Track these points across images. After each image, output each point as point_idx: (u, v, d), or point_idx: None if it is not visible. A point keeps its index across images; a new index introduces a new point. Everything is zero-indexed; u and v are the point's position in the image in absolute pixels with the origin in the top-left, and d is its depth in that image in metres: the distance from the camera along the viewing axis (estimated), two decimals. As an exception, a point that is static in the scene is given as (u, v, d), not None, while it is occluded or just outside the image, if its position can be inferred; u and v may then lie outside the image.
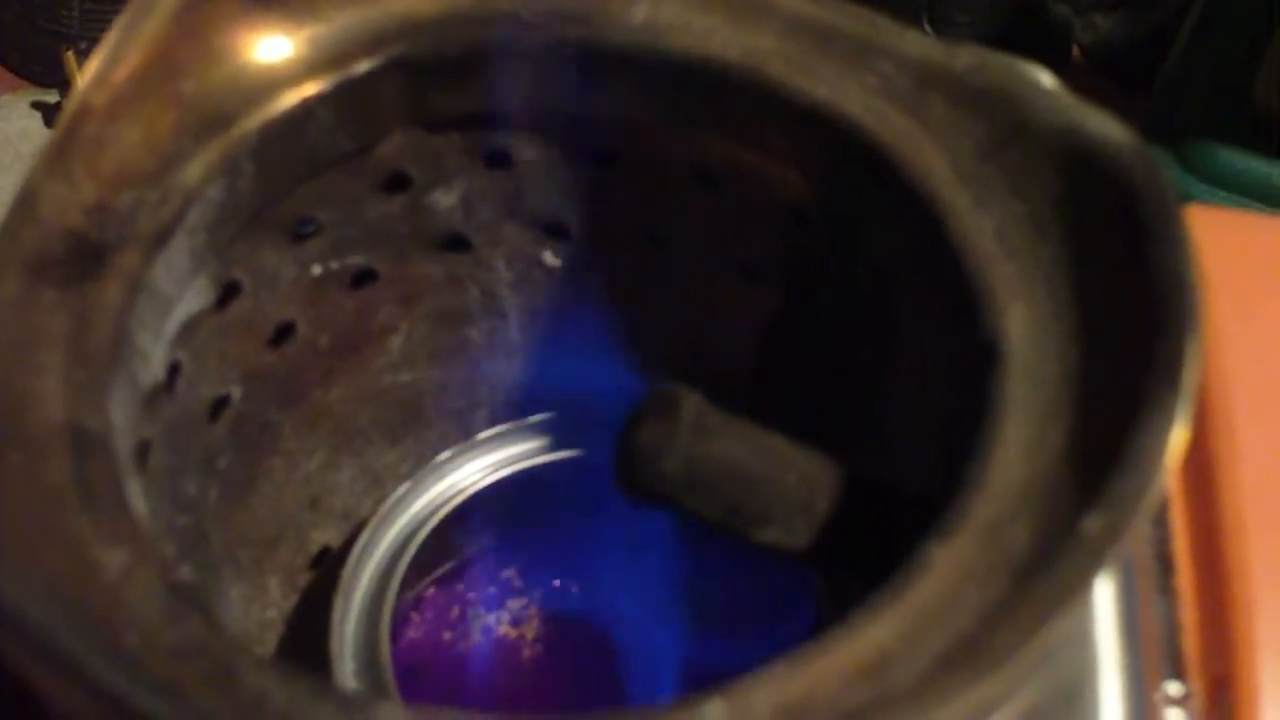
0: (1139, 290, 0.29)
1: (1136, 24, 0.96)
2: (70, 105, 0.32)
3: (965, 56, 0.34)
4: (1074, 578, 0.27)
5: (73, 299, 0.30)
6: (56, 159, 0.32)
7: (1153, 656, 0.32)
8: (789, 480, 0.33)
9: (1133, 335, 0.29)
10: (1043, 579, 0.27)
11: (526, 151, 0.38)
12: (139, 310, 0.31)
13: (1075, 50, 0.96)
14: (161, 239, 0.32)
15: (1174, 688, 0.33)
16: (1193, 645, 0.34)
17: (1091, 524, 0.27)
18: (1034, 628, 0.26)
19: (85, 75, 0.33)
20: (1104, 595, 0.32)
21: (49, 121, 0.85)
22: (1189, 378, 0.28)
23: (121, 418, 0.30)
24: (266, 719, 0.25)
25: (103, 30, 0.34)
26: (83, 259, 0.31)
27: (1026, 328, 0.30)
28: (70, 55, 0.80)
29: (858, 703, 0.26)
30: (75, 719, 0.26)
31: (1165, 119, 0.81)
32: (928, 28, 0.92)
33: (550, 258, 0.40)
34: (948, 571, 0.27)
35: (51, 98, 0.86)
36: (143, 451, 0.32)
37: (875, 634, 0.27)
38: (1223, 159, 0.80)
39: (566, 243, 0.40)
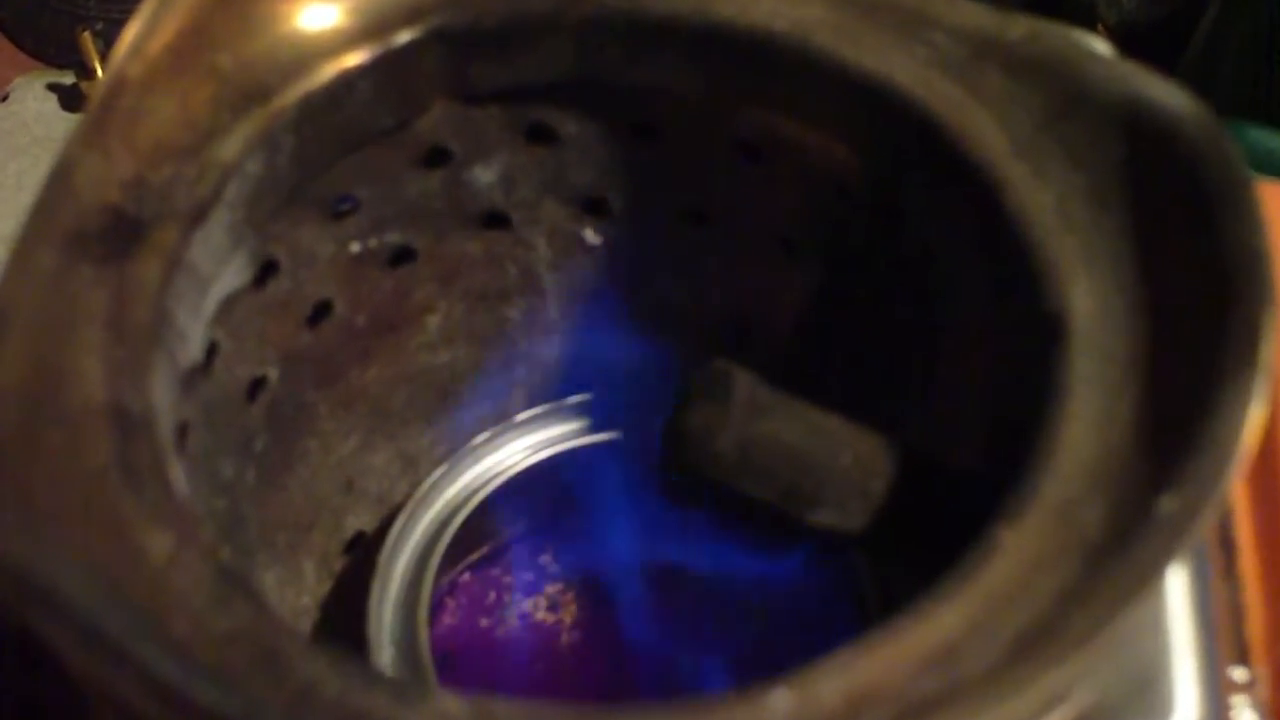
0: (1208, 262, 0.29)
1: (1161, 3, 0.95)
2: (106, 77, 0.32)
3: (1019, 26, 0.33)
4: (1150, 561, 0.26)
5: (111, 275, 0.30)
6: (93, 132, 0.31)
7: (1222, 643, 0.32)
8: (844, 461, 0.32)
9: (1203, 308, 0.28)
10: (1117, 562, 0.26)
11: (568, 126, 0.37)
12: (177, 288, 0.30)
13: (1100, 30, 0.96)
14: (200, 215, 0.31)
15: (1239, 673, 0.32)
16: (1257, 630, 0.33)
17: (1168, 505, 0.26)
18: (1109, 613, 0.25)
19: (121, 47, 0.32)
20: (1176, 580, 0.31)
21: (65, 104, 0.84)
22: (1266, 351, 0.27)
23: (161, 398, 0.29)
24: (318, 707, 0.25)
25: (118, 9, 0.33)
26: (120, 235, 0.30)
27: (1091, 301, 0.30)
28: (86, 36, 0.79)
29: (927, 691, 0.25)
30: (123, 707, 0.25)
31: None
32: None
33: (590, 235, 0.40)
34: (1018, 555, 0.27)
35: (67, 79, 0.85)
36: (182, 433, 0.31)
37: (944, 620, 0.26)
38: (1250, 139, 0.79)
39: (607, 219, 0.39)
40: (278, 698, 0.25)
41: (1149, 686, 0.30)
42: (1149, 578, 0.26)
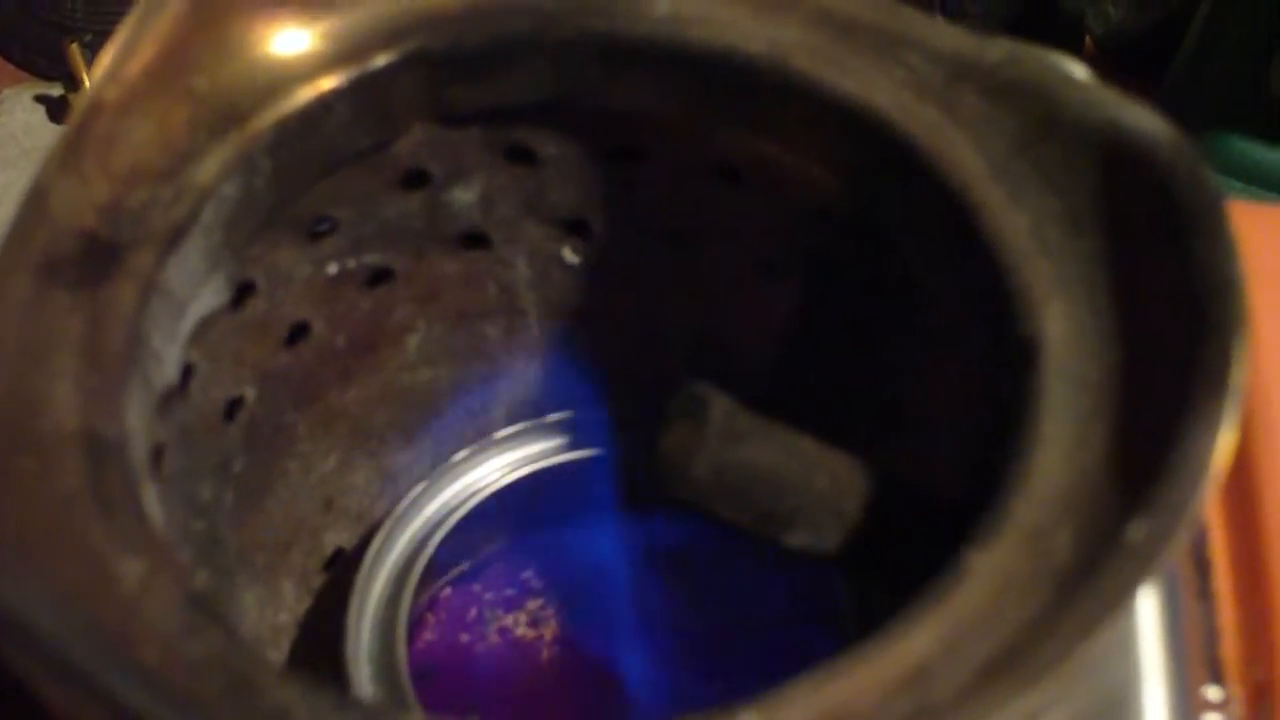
0: (1181, 288, 0.29)
1: (1149, 13, 0.95)
2: (82, 101, 0.32)
3: (997, 49, 0.33)
4: (1119, 587, 0.26)
5: (85, 301, 0.30)
6: (68, 156, 0.31)
7: (1194, 663, 0.32)
8: (819, 483, 0.32)
9: (1176, 335, 0.28)
10: (1087, 588, 0.26)
11: (548, 147, 0.37)
12: (153, 311, 0.30)
13: (1087, 41, 0.96)
14: (176, 238, 0.31)
15: (1213, 692, 0.32)
16: (1232, 650, 0.33)
17: (1137, 531, 0.26)
18: (1078, 639, 0.26)
19: (97, 70, 0.32)
20: (1147, 602, 0.31)
21: (53, 115, 0.84)
22: (1236, 380, 0.27)
23: (136, 422, 0.29)
24: (289, 735, 0.25)
25: (106, 21, 0.33)
26: (95, 259, 0.30)
27: (1065, 327, 0.30)
28: (74, 47, 0.79)
29: (897, 715, 0.25)
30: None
31: (1179, 109, 0.80)
32: (940, 18, 0.91)
33: (570, 255, 0.40)
34: (988, 579, 0.27)
35: (55, 91, 0.85)
36: (157, 456, 0.31)
37: (914, 644, 0.26)
38: (1238, 149, 0.79)
39: (587, 240, 0.39)
40: (249, 726, 0.25)
41: (1119, 709, 0.30)
42: (1118, 603, 0.26)
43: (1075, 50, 0.94)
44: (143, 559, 0.26)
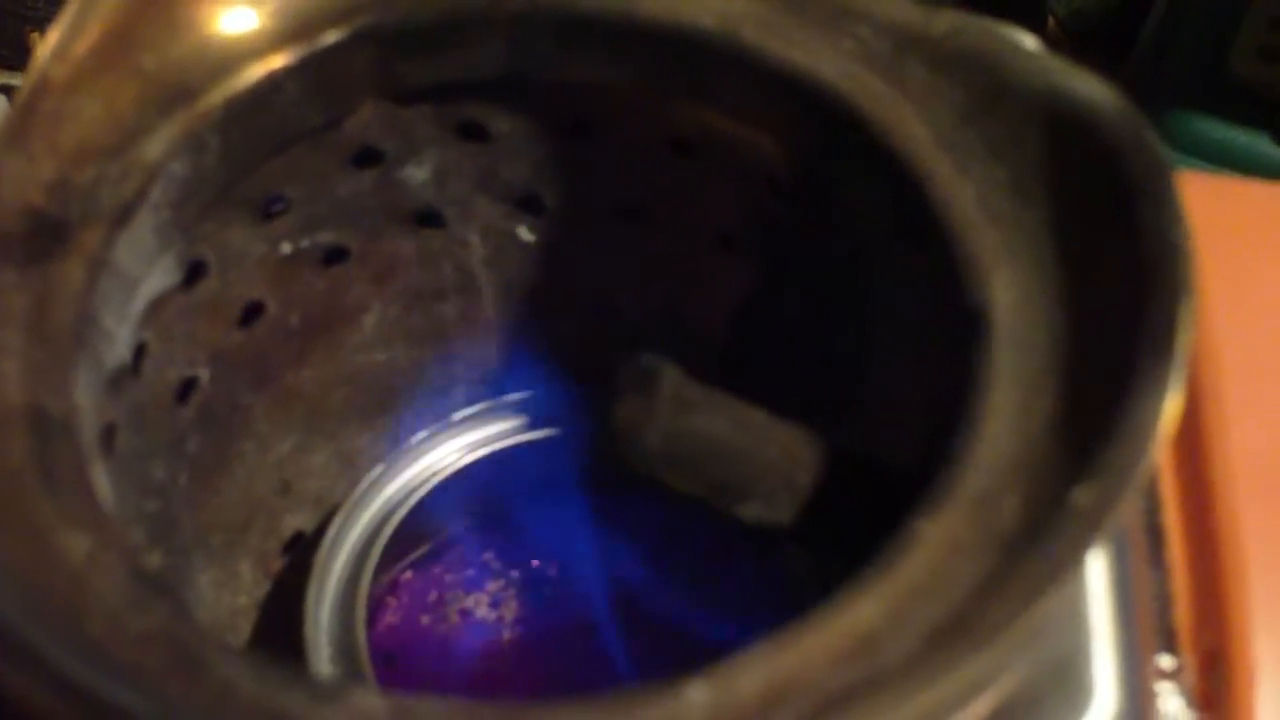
0: (1127, 254, 0.29)
1: (1113, -6, 0.95)
2: (29, 80, 0.32)
3: (944, 20, 0.33)
4: (1066, 551, 0.26)
5: (33, 278, 0.29)
6: (15, 135, 0.31)
7: (1146, 630, 0.32)
8: (770, 454, 0.32)
9: (1122, 301, 0.28)
10: (1033, 553, 0.26)
11: (500, 123, 0.37)
12: (102, 289, 0.30)
13: (1051, 22, 0.96)
14: (124, 216, 0.31)
15: (1166, 661, 0.32)
16: (1184, 618, 0.33)
17: (1083, 496, 0.26)
18: (1025, 603, 0.26)
19: (44, 48, 0.32)
20: (1096, 568, 0.31)
21: (16, 105, 0.83)
22: (1181, 344, 0.27)
23: (85, 400, 0.29)
24: (235, 708, 0.25)
25: (68, 10, 0.33)
26: (43, 237, 0.30)
27: (1012, 295, 0.30)
28: (37, 37, 0.79)
29: (845, 682, 0.25)
30: (37, 711, 0.25)
31: (1142, 90, 0.80)
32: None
33: (525, 232, 0.40)
34: (936, 546, 0.27)
35: (18, 81, 0.84)
36: (108, 435, 0.31)
37: (863, 612, 0.26)
38: (1201, 129, 0.79)
39: (541, 217, 0.39)
40: (194, 698, 0.25)
41: (1069, 674, 0.30)
42: (1064, 567, 0.26)
43: (1038, 32, 0.94)
44: (89, 534, 0.26)
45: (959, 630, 0.26)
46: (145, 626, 0.25)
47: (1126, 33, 0.88)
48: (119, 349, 0.32)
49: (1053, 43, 0.33)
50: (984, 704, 0.26)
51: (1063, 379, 0.29)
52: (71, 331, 0.29)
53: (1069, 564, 0.26)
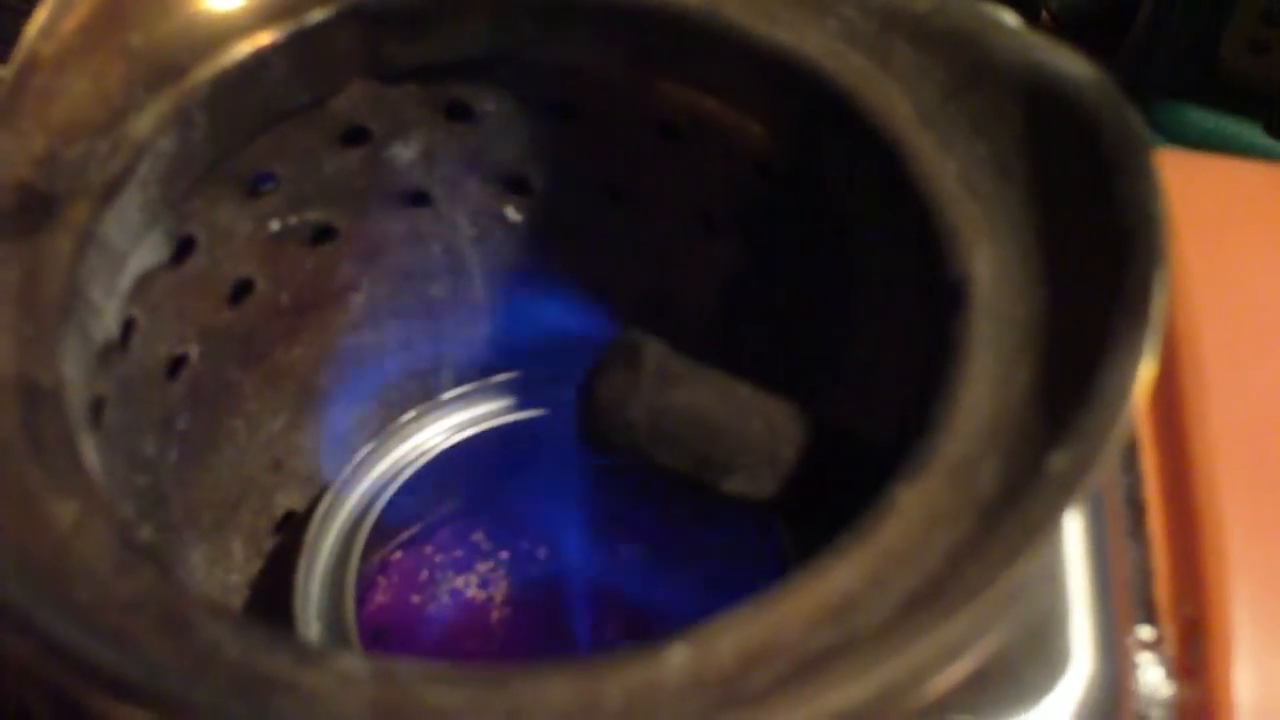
0: (1105, 226, 0.29)
1: (1105, -15, 0.95)
2: (18, 56, 0.32)
3: (927, -2, 0.33)
4: (1041, 515, 0.26)
5: (22, 251, 0.30)
6: (4, 111, 0.31)
7: (1124, 601, 0.32)
8: (754, 428, 0.33)
9: (1099, 271, 0.29)
10: (1010, 517, 0.26)
11: (486, 103, 0.37)
12: (90, 263, 0.31)
13: (1043, 13, 0.96)
14: (112, 191, 0.31)
15: (1145, 632, 0.33)
16: (1164, 589, 0.33)
17: (1058, 460, 0.26)
18: (1001, 566, 0.26)
19: (33, 25, 0.32)
20: (1074, 537, 0.31)
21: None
22: (1156, 310, 0.27)
23: (73, 372, 0.30)
24: (220, 670, 0.25)
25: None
26: (32, 211, 0.30)
27: (993, 268, 0.30)
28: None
29: (823, 645, 0.26)
30: (27, 673, 0.25)
31: (1134, 78, 0.80)
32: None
33: (513, 213, 0.40)
34: (914, 512, 0.27)
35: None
36: (97, 408, 0.31)
37: (841, 576, 0.26)
38: (1191, 118, 0.79)
39: (529, 197, 0.40)
40: (180, 661, 0.25)
41: (1046, 639, 0.30)
42: (1040, 532, 0.26)
43: (1031, 23, 0.94)
44: (77, 500, 0.27)
45: (936, 594, 0.26)
46: (131, 590, 0.26)
47: (1118, 24, 0.88)
48: (107, 323, 0.32)
49: (1045, 32, 0.33)
50: (961, 668, 0.26)
51: (1041, 350, 0.29)
52: (59, 304, 0.30)
53: (1045, 528, 0.26)
